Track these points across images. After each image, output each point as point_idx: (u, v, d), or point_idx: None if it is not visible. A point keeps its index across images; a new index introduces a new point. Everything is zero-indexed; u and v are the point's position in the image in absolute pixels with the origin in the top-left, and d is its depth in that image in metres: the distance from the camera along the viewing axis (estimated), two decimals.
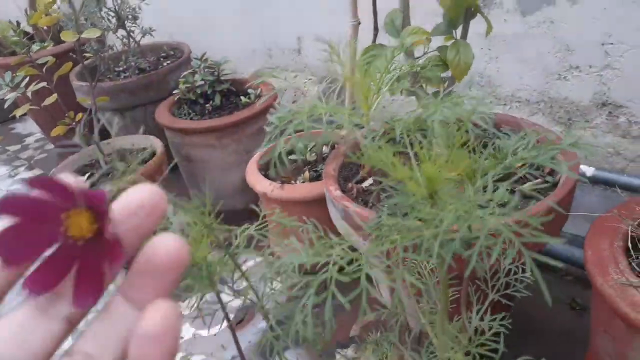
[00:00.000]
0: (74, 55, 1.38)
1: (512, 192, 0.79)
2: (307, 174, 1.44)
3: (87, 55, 1.56)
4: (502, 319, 0.59)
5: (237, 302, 1.21)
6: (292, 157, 1.49)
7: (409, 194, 0.40)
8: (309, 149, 1.48)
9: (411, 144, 0.42)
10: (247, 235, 0.61)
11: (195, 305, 0.60)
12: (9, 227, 0.20)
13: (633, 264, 0.76)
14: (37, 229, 0.20)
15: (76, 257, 0.21)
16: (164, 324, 0.19)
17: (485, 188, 0.37)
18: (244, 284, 0.63)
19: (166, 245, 0.20)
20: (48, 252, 0.20)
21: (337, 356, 1.20)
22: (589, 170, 1.37)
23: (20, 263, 0.20)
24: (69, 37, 1.15)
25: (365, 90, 0.48)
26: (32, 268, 0.20)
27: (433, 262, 0.52)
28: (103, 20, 1.65)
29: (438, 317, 0.47)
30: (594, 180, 1.39)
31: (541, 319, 1.20)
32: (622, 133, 1.36)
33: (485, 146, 0.46)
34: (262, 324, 1.29)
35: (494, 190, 0.36)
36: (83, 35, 1.18)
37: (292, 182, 1.44)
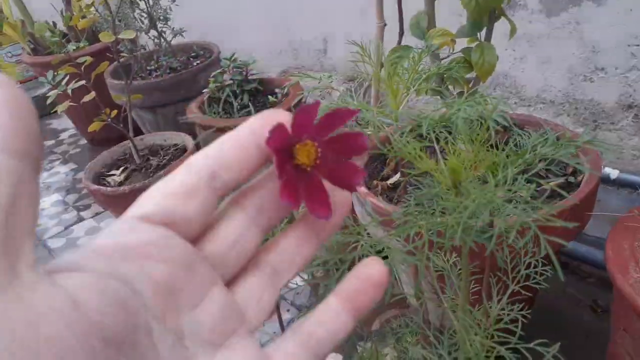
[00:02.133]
0: (110, 55, 1.44)
1: (530, 183, 0.82)
2: None
3: (122, 54, 1.62)
4: (521, 309, 0.61)
5: None
6: None
7: (434, 184, 0.43)
8: None
9: (437, 140, 0.45)
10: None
11: None
12: (277, 150, 0.23)
13: None
14: (283, 154, 0.24)
15: (304, 179, 0.24)
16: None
17: (505, 181, 0.40)
18: None
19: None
20: (287, 175, 0.24)
21: (359, 349, 1.22)
22: (613, 173, 1.37)
23: (281, 179, 0.23)
24: (106, 38, 1.20)
25: (394, 89, 0.51)
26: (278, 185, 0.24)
27: (456, 245, 0.55)
28: (136, 22, 1.71)
29: (460, 300, 0.50)
30: (619, 183, 1.39)
31: (562, 318, 1.21)
32: None
33: (506, 143, 0.49)
34: (287, 316, 1.33)
35: (514, 182, 0.39)
36: (119, 36, 1.23)
37: None
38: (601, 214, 1.36)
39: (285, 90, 1.64)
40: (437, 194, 0.42)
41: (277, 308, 0.69)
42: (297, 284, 0.91)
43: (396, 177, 1.06)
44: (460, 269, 0.65)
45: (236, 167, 0.23)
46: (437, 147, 0.44)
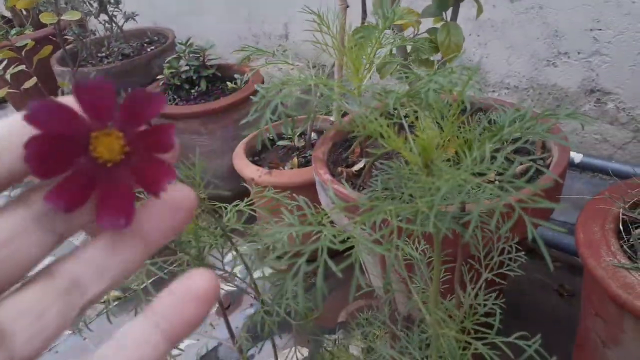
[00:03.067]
0: (55, 39, 1.35)
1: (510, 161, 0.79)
2: (295, 160, 1.43)
3: (69, 39, 1.52)
4: (496, 298, 0.58)
5: (224, 288, 1.19)
6: (281, 143, 1.47)
7: (402, 165, 0.38)
8: (297, 134, 1.46)
9: (406, 117, 0.40)
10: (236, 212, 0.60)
11: None
12: (38, 135, 0.18)
13: (624, 246, 0.76)
14: (65, 143, 0.19)
15: (101, 178, 0.20)
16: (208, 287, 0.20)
17: (483, 159, 0.36)
18: (234, 268, 0.62)
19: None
20: (72, 169, 0.19)
21: (326, 341, 1.19)
22: (577, 157, 1.37)
23: (48, 176, 0.19)
24: (48, 19, 1.11)
25: (356, 62, 0.46)
26: (55, 182, 0.19)
27: (428, 233, 0.51)
28: (84, 4, 1.61)
29: (431, 292, 0.46)
30: (582, 167, 1.39)
31: (530, 304, 1.20)
32: (610, 120, 1.37)
33: (479, 123, 0.45)
34: (249, 310, 1.28)
35: (492, 161, 0.35)
36: (63, 18, 1.14)
37: (281, 168, 1.43)
38: (567, 197, 1.36)
39: (246, 76, 1.57)
40: (406, 175, 0.37)
41: (223, 309, 0.64)
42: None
43: (361, 164, 1.02)
44: (430, 257, 0.61)
45: (8, 155, 0.18)
46: (405, 124, 0.39)
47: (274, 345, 0.67)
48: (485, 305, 0.51)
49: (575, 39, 1.32)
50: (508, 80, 1.50)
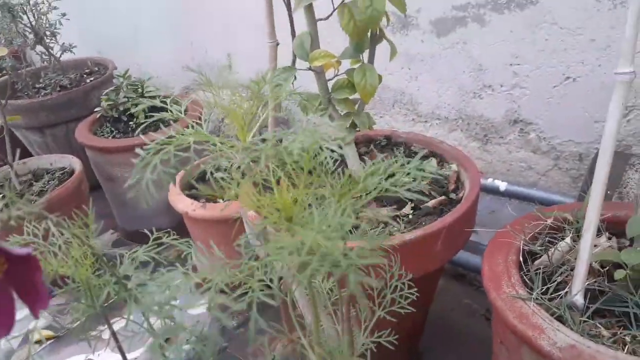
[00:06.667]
0: None
1: (412, 202, 0.82)
2: (233, 191, 1.44)
3: (3, 71, 1.50)
4: (388, 335, 0.60)
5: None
6: (219, 174, 1.48)
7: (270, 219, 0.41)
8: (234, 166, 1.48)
9: (274, 173, 0.43)
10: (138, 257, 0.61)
11: (81, 327, 0.59)
12: None
13: (525, 277, 0.80)
14: None
15: None
16: None
17: (342, 213, 0.38)
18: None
19: None
20: None
21: None
22: (502, 185, 1.43)
23: None
24: None
25: (239, 119, 0.48)
26: None
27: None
28: (19, 37, 1.60)
29: (314, 333, 0.49)
30: (508, 194, 1.46)
31: (457, 329, 1.24)
32: (533, 148, 1.44)
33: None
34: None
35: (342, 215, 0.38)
36: None
37: (220, 200, 1.43)
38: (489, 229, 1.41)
39: (184, 107, 1.58)
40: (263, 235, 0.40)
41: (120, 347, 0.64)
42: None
43: None
44: (336, 296, 0.64)
45: None
46: (273, 182, 0.42)
47: None
48: (376, 342, 0.53)
49: (497, 72, 1.40)
50: (439, 112, 1.57)
